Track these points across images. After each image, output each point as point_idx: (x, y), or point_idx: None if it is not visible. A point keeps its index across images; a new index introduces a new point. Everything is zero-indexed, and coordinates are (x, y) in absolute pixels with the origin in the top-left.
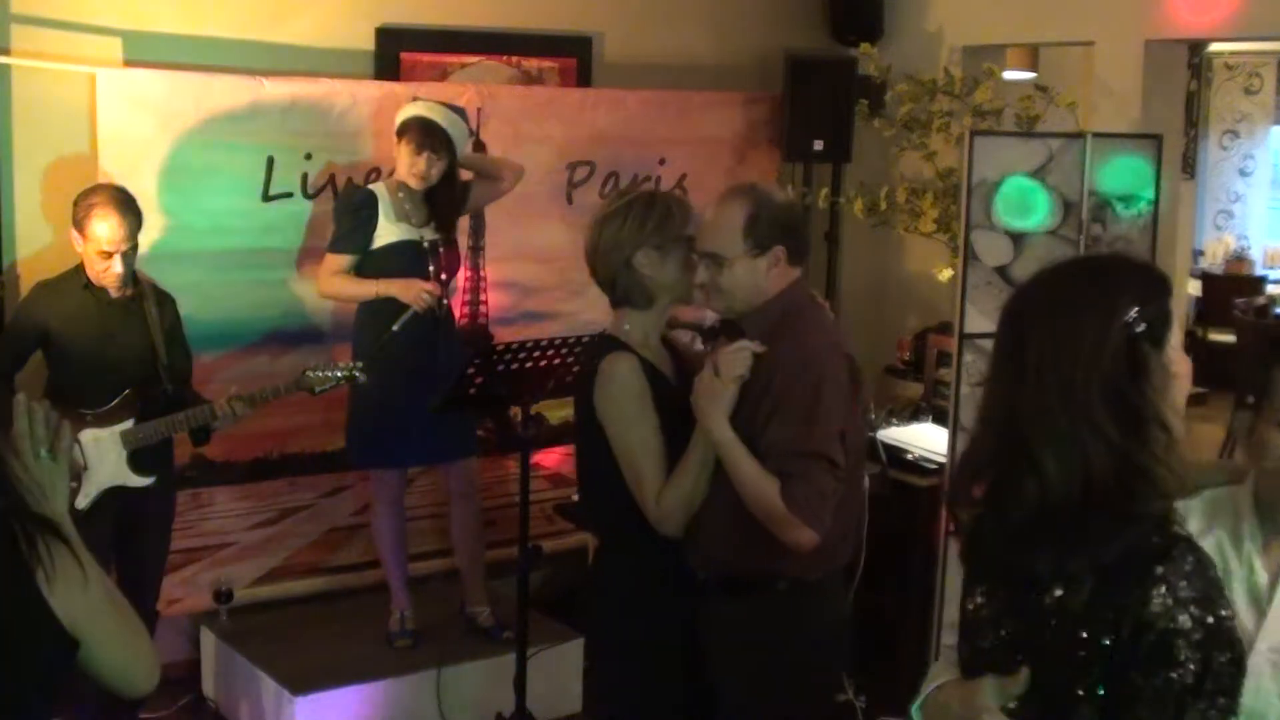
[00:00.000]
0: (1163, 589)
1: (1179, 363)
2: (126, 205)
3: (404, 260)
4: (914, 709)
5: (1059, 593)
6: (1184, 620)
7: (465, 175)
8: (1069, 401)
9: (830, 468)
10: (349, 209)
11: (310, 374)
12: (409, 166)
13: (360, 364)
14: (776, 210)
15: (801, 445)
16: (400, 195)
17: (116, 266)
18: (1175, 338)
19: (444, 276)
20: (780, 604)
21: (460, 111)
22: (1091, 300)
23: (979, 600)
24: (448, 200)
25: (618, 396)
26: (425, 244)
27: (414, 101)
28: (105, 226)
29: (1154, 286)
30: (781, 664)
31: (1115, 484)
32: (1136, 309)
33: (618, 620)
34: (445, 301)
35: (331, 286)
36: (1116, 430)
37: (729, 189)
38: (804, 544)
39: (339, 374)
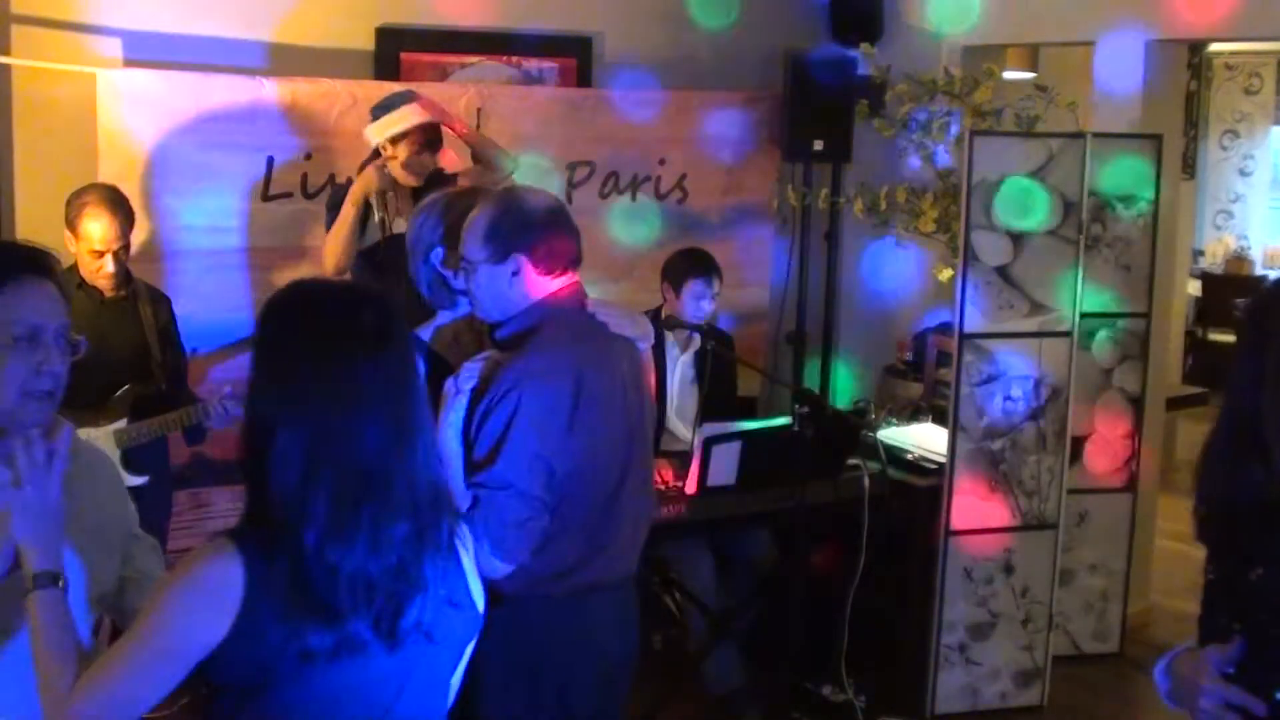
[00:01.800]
0: None
1: None
2: (118, 205)
3: (398, 254)
4: (1158, 669)
5: (1260, 571)
6: None
7: (452, 167)
8: None
9: (519, 497)
10: (339, 202)
11: None
12: (413, 166)
13: None
14: (522, 216)
15: (485, 471)
16: (391, 195)
17: (108, 266)
18: None
19: None
20: (515, 617)
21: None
22: None
23: (1210, 577)
24: (440, 184)
25: None
26: None
27: (394, 112)
28: (97, 226)
29: None
30: (505, 683)
31: None
32: None
33: None
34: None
35: (327, 249)
36: None
37: (485, 193)
38: (492, 569)
39: None
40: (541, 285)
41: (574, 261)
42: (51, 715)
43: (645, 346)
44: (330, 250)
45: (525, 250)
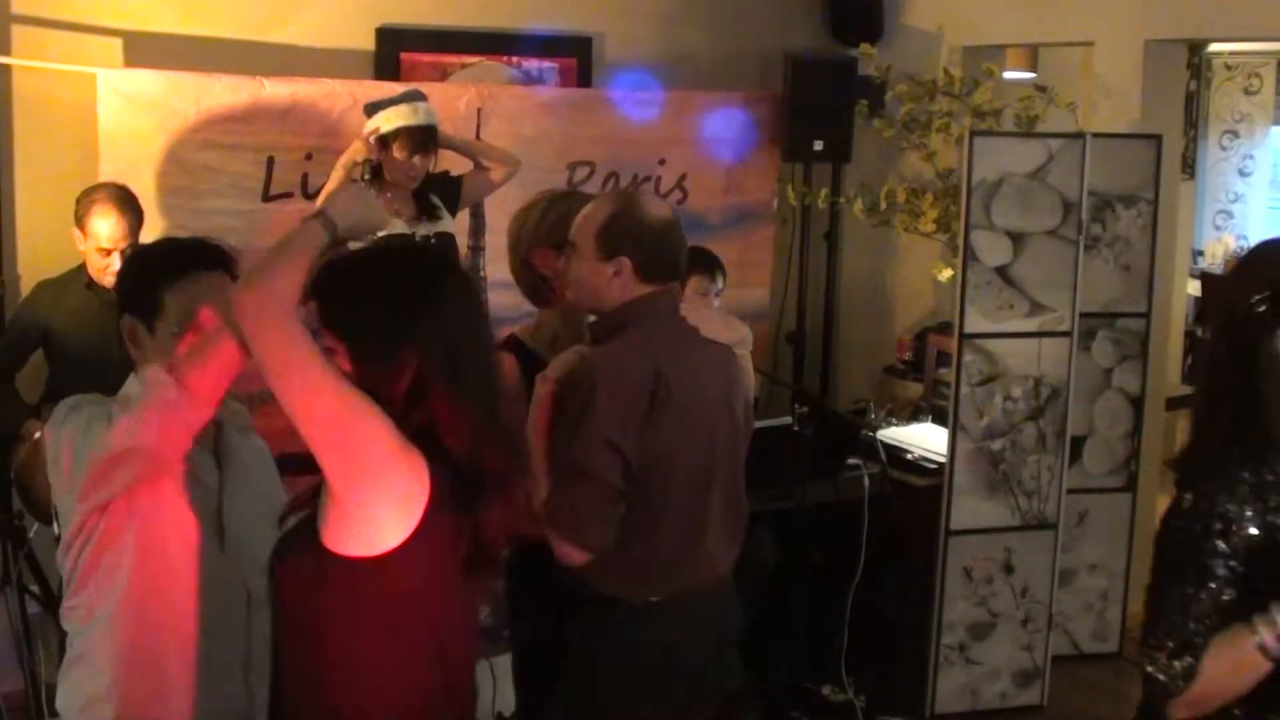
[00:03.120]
0: None
1: None
2: (127, 203)
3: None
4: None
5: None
6: None
7: (456, 168)
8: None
9: (587, 480)
10: None
11: None
12: (404, 171)
13: None
14: (634, 223)
15: (562, 456)
16: (388, 195)
17: (116, 264)
18: None
19: None
20: (598, 623)
21: (418, 93)
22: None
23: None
24: (443, 191)
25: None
26: (418, 240)
27: (392, 108)
28: (105, 224)
29: None
30: (590, 686)
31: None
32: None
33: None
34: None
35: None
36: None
37: (613, 190)
38: (569, 556)
39: None
40: (639, 290)
41: (676, 273)
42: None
43: (744, 351)
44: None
45: (632, 255)
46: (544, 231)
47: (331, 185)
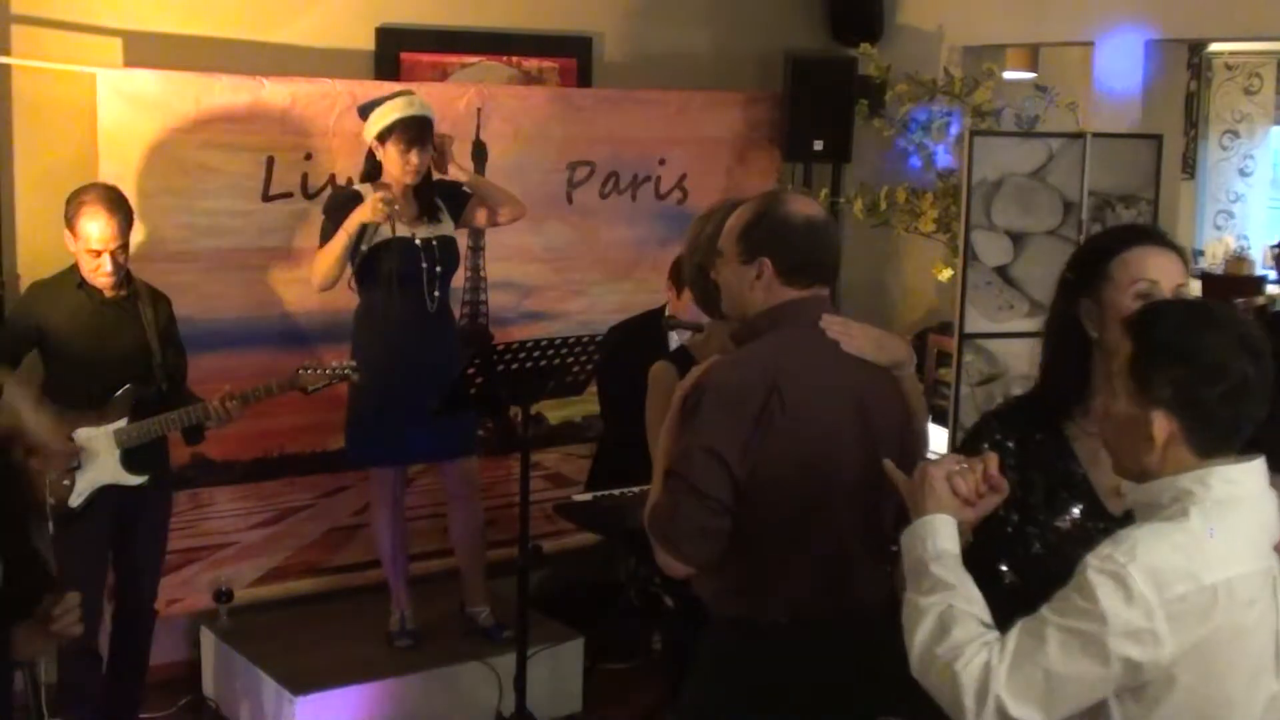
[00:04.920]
0: None
1: None
2: (116, 204)
3: (398, 258)
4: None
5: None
6: None
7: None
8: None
9: (687, 489)
10: (334, 208)
11: (303, 373)
12: (401, 166)
13: (354, 363)
14: (776, 222)
15: (667, 460)
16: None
17: (106, 265)
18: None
19: (439, 270)
20: (721, 642)
21: (410, 93)
22: None
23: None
24: (452, 202)
25: (657, 405)
26: (418, 240)
27: (385, 103)
28: (95, 225)
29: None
30: (704, 703)
31: None
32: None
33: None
34: (438, 294)
35: (318, 265)
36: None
37: (764, 192)
38: (669, 566)
39: (332, 373)
40: (782, 294)
41: (823, 274)
42: None
43: (904, 374)
44: (320, 267)
45: (772, 255)
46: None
47: (339, 242)
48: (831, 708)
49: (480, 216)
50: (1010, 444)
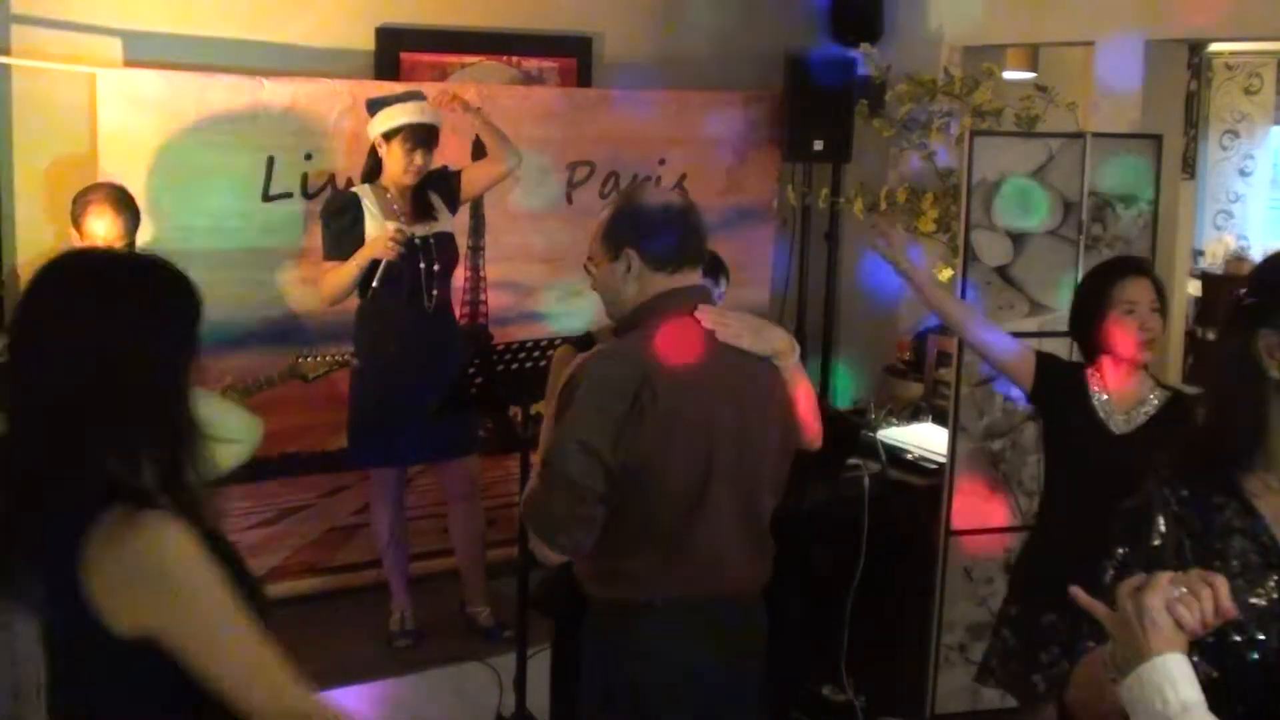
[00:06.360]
0: None
1: None
2: (123, 203)
3: (398, 258)
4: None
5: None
6: None
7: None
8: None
9: (560, 479)
10: (332, 215)
11: (303, 360)
12: (403, 166)
13: (353, 350)
14: (633, 213)
15: (543, 450)
16: (389, 195)
17: None
18: None
19: (437, 268)
20: (599, 624)
21: (420, 94)
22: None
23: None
24: (445, 190)
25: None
26: (418, 240)
27: (396, 104)
28: (101, 224)
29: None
30: (601, 686)
31: None
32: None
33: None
34: (436, 293)
35: (326, 287)
36: None
37: (619, 191)
38: (541, 553)
39: (332, 360)
40: (655, 283)
41: (692, 258)
42: None
43: (786, 364)
44: (328, 291)
45: (634, 244)
46: None
47: (349, 270)
48: (712, 690)
49: (478, 179)
50: (1191, 513)
